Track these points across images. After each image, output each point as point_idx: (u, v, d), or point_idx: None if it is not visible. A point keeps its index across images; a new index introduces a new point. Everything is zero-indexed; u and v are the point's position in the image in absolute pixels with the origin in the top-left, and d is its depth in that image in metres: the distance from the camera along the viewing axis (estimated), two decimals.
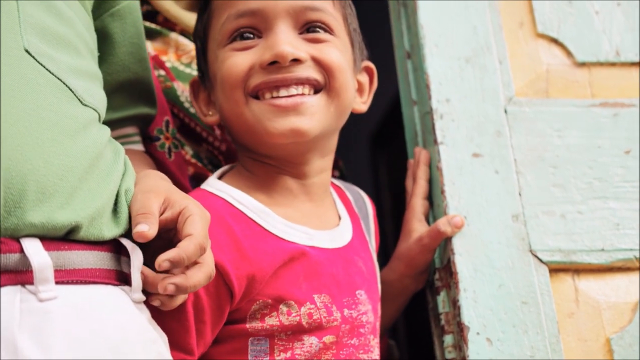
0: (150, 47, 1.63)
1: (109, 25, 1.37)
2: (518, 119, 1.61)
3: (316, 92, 1.39)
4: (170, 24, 1.69)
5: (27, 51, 1.12)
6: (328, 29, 1.42)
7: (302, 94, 1.37)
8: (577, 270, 1.54)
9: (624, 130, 1.62)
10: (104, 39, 1.36)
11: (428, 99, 1.60)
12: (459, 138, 1.57)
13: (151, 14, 1.68)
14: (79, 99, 1.16)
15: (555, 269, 1.52)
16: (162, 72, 1.61)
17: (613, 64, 1.69)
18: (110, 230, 1.14)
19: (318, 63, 1.39)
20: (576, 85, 1.67)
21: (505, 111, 1.61)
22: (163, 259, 1.10)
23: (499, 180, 1.55)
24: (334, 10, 1.44)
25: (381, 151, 3.79)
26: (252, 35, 1.40)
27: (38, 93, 1.10)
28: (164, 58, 1.64)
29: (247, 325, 1.32)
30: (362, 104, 1.52)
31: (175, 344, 1.24)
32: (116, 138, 1.42)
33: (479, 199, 1.54)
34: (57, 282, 1.06)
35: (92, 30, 1.29)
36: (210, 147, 1.65)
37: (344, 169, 1.88)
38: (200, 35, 1.48)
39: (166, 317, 1.22)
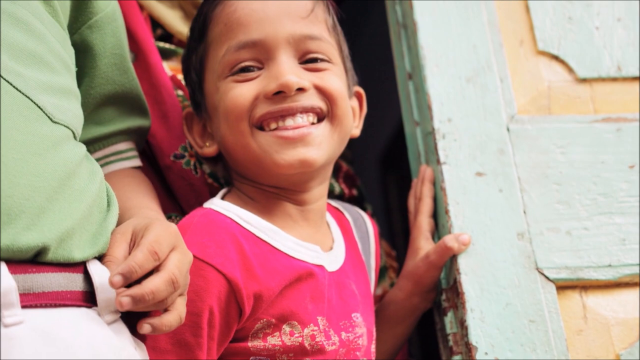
0: (167, 67, 1.64)
1: (88, 37, 1.35)
2: (521, 137, 1.60)
3: (319, 120, 1.40)
4: (185, 44, 1.71)
5: None
6: (326, 58, 1.43)
7: (308, 124, 1.38)
8: (585, 286, 1.53)
9: (627, 145, 1.62)
10: (85, 52, 1.35)
11: (430, 119, 1.60)
12: (462, 157, 1.57)
13: (166, 35, 1.71)
14: (48, 117, 1.13)
15: (562, 286, 1.52)
16: (180, 92, 1.62)
17: (615, 79, 1.69)
18: (82, 251, 1.11)
19: (320, 91, 1.40)
20: (578, 101, 1.67)
21: (508, 129, 1.61)
22: (114, 273, 1.07)
23: (503, 199, 1.55)
24: (330, 38, 1.45)
25: (391, 172, 3.79)
26: (253, 66, 1.40)
27: (4, 112, 1.07)
28: (180, 77, 1.65)
29: (249, 344, 1.32)
30: (355, 129, 1.52)
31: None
32: (109, 155, 1.41)
33: (484, 217, 1.53)
34: (24, 306, 1.03)
35: (67, 46, 1.27)
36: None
37: (362, 188, 1.88)
38: (197, 67, 1.47)
39: (185, 331, 1.22)
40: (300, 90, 1.38)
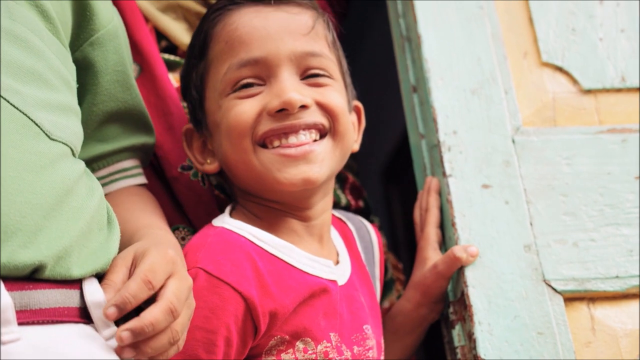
0: (173, 79, 1.65)
1: (89, 54, 1.34)
2: (526, 149, 1.60)
3: (321, 136, 1.41)
4: None
5: None
6: (327, 74, 1.44)
7: (311, 141, 1.38)
8: (592, 298, 1.53)
9: (632, 155, 1.62)
10: (87, 69, 1.35)
11: (435, 132, 1.60)
12: (468, 170, 1.57)
13: (171, 47, 1.71)
14: (46, 134, 1.13)
15: (570, 298, 1.51)
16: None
17: (619, 90, 1.69)
18: (81, 268, 1.11)
19: (322, 107, 1.41)
20: (583, 112, 1.67)
21: (513, 141, 1.61)
22: (108, 305, 1.07)
23: (509, 211, 1.55)
24: (330, 54, 1.46)
25: (393, 185, 3.79)
26: (256, 83, 1.40)
27: (1, 130, 1.07)
28: None
29: None
30: (355, 144, 1.53)
31: None
32: (114, 173, 1.41)
33: (490, 230, 1.53)
34: (21, 323, 1.03)
35: (68, 63, 1.27)
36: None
37: (368, 199, 1.88)
38: (197, 85, 1.47)
39: (197, 348, 1.22)
40: (303, 107, 1.38)
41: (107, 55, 1.36)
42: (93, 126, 1.37)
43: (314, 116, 1.39)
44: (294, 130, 1.38)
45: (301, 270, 1.38)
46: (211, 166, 1.47)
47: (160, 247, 1.17)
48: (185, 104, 1.60)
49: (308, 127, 1.39)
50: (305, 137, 1.38)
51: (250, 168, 1.39)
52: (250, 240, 1.37)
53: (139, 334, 1.06)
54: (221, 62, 1.42)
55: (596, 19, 1.74)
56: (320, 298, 1.38)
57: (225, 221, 1.41)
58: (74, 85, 1.27)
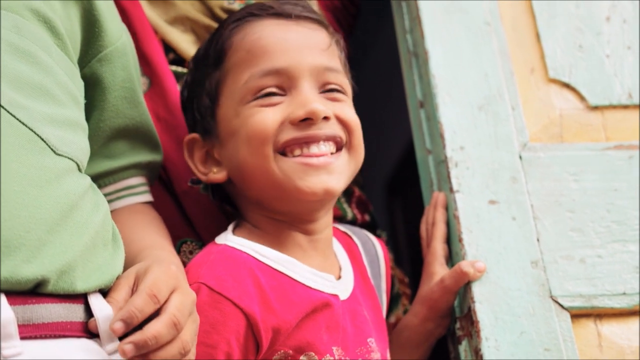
0: None
1: (97, 70, 1.35)
2: (533, 165, 1.61)
3: (337, 149, 1.42)
4: None
5: None
6: (342, 90, 1.46)
7: (329, 154, 1.40)
8: (599, 315, 1.53)
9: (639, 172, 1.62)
10: (95, 85, 1.35)
11: (442, 148, 1.60)
12: (475, 185, 1.58)
13: (178, 59, 1.71)
14: (51, 149, 1.14)
15: (577, 315, 1.51)
16: None
17: (626, 107, 1.70)
18: (85, 282, 1.11)
19: (340, 121, 1.42)
20: (590, 129, 1.68)
21: (520, 157, 1.61)
22: (114, 320, 1.07)
23: (516, 227, 1.55)
24: (343, 71, 1.48)
25: (396, 198, 3.79)
26: (277, 93, 1.41)
27: (6, 144, 1.08)
28: None
29: None
30: None
31: None
32: (120, 190, 1.41)
33: (497, 246, 1.53)
34: (23, 337, 1.03)
35: (77, 79, 1.28)
36: None
37: (374, 214, 1.88)
38: (211, 92, 1.47)
39: None
40: (325, 119, 1.40)
41: (115, 71, 1.37)
42: (100, 142, 1.38)
43: (334, 128, 1.41)
44: (316, 140, 1.39)
45: (304, 285, 1.38)
46: (217, 175, 1.46)
47: (163, 263, 1.18)
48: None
49: (327, 138, 1.40)
50: (325, 147, 1.40)
51: (269, 175, 1.39)
52: (253, 257, 1.37)
53: (142, 347, 1.06)
54: (241, 70, 1.43)
55: (603, 36, 1.75)
56: (322, 312, 1.38)
57: (228, 238, 1.42)
58: (81, 101, 1.28)
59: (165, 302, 1.12)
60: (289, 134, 1.38)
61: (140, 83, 1.47)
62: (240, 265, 1.34)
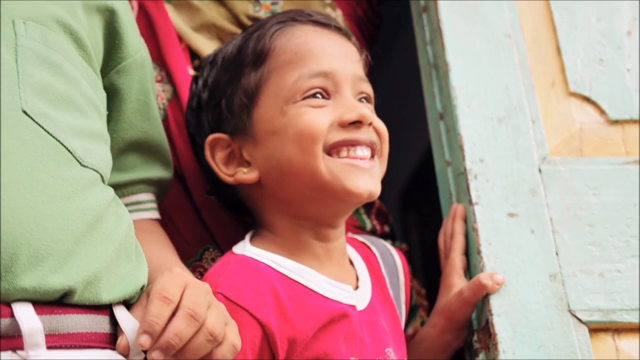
0: None
1: (115, 81, 1.37)
2: (553, 178, 1.61)
3: (371, 156, 1.46)
4: None
5: (24, 112, 1.11)
6: (371, 100, 1.51)
7: (369, 158, 1.44)
8: (618, 329, 1.52)
9: None
10: (113, 96, 1.37)
11: (462, 160, 1.60)
12: (494, 198, 1.57)
13: None
14: (77, 160, 1.15)
15: (595, 329, 1.51)
16: None
17: None
18: (109, 293, 1.12)
19: (375, 129, 1.46)
20: (610, 143, 1.67)
21: (540, 170, 1.61)
22: (138, 335, 1.08)
23: (535, 240, 1.55)
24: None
25: (411, 209, 3.79)
26: (323, 95, 1.44)
27: (34, 155, 1.09)
28: None
29: None
30: None
31: None
32: (129, 204, 1.41)
33: (516, 259, 1.53)
34: (49, 347, 1.04)
35: (100, 90, 1.30)
36: None
37: (394, 225, 1.88)
38: (249, 91, 1.46)
39: None
40: (369, 124, 1.44)
41: (131, 83, 1.38)
42: (113, 154, 1.37)
43: (372, 135, 1.45)
44: (361, 143, 1.43)
45: (321, 295, 1.39)
46: (248, 175, 1.45)
47: (166, 270, 1.18)
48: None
49: (367, 144, 1.44)
50: (367, 152, 1.44)
51: (316, 174, 1.40)
52: (270, 267, 1.38)
53: (168, 348, 1.07)
54: (288, 71, 1.45)
55: (624, 50, 1.75)
56: (340, 323, 1.38)
57: (245, 249, 1.42)
58: (103, 112, 1.30)
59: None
60: (338, 135, 1.41)
61: (155, 98, 1.47)
62: (258, 275, 1.35)
